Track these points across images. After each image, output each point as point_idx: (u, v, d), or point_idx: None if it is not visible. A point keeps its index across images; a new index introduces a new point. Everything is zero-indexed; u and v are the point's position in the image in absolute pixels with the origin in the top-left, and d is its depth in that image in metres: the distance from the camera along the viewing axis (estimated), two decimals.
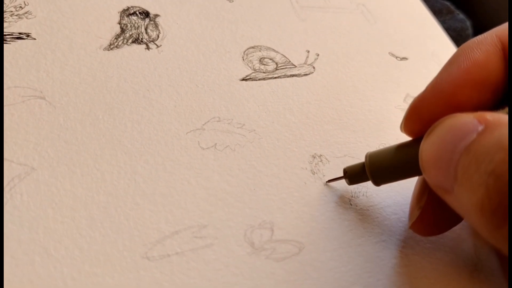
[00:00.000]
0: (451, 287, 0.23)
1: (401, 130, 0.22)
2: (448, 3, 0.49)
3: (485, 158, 0.16)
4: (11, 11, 0.27)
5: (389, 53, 0.34)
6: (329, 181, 0.25)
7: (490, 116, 0.17)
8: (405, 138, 0.23)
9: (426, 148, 0.19)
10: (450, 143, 0.18)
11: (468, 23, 0.50)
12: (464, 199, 0.17)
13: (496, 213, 0.15)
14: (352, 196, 0.25)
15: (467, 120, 0.17)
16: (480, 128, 0.17)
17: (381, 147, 0.27)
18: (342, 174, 0.24)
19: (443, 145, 0.18)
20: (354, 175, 0.23)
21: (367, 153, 0.23)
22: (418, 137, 0.21)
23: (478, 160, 0.16)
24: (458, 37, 0.44)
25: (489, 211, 0.16)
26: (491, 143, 0.16)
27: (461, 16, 0.49)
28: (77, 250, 0.20)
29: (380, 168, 0.22)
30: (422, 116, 0.21)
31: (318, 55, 0.31)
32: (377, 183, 0.22)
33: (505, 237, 0.15)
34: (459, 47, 0.22)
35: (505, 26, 0.21)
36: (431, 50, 0.36)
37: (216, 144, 0.25)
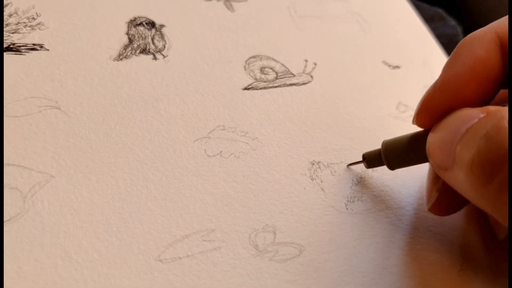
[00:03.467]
0: (440, 284, 0.25)
1: (413, 123, 0.24)
2: (440, 10, 0.51)
3: (481, 130, 0.18)
4: (25, 22, 0.29)
5: (382, 61, 0.36)
6: (350, 164, 0.28)
7: (493, 107, 0.19)
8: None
9: (433, 135, 0.21)
10: (454, 128, 0.20)
11: (459, 29, 0.51)
12: (460, 173, 0.19)
13: (484, 168, 0.17)
14: (348, 201, 0.27)
15: (472, 111, 0.20)
16: (482, 115, 0.19)
17: None
18: (343, 185, 0.26)
19: (447, 130, 0.20)
20: (371, 159, 0.26)
21: (384, 140, 0.25)
22: (428, 128, 0.23)
23: (475, 134, 0.18)
24: (449, 43, 0.46)
25: (478, 167, 0.17)
26: (489, 122, 0.18)
27: (453, 22, 0.50)
28: (96, 253, 0.21)
29: (394, 154, 0.25)
30: (431, 111, 0.23)
31: (315, 64, 0.33)
32: (392, 167, 0.25)
33: (493, 193, 0.17)
34: (460, 41, 0.23)
35: (503, 21, 0.23)
36: (422, 58, 0.38)
37: (221, 151, 0.26)
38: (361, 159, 0.27)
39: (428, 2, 0.50)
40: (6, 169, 0.22)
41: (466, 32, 0.49)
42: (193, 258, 0.22)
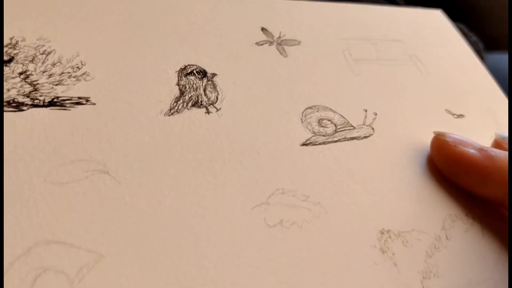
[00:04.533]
0: None
1: None
2: (462, 25, 0.48)
3: None
4: (69, 72, 0.27)
5: (445, 110, 0.33)
6: None
7: None
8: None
9: None
10: None
11: (480, 45, 0.49)
12: None
13: None
14: (423, 277, 0.24)
15: None
16: None
17: (448, 220, 0.26)
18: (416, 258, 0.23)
19: None
20: None
21: None
22: None
23: None
24: None
25: None
26: None
27: (474, 38, 0.48)
28: None
29: None
30: None
31: (376, 114, 0.31)
32: None
33: None
34: None
35: None
36: (486, 105, 0.35)
37: (282, 220, 0.24)
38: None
39: (427, 5, 0.46)
40: (51, 247, 0.20)
41: (466, 23, 0.46)
42: None
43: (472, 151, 0.27)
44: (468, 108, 0.34)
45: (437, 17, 0.42)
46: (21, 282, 0.19)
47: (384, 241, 0.25)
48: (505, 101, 0.37)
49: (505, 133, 0.32)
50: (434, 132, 0.29)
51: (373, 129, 0.30)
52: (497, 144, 0.31)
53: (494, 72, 0.39)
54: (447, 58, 0.38)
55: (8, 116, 0.24)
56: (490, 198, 0.28)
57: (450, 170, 0.28)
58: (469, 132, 0.33)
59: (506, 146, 0.30)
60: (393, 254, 0.24)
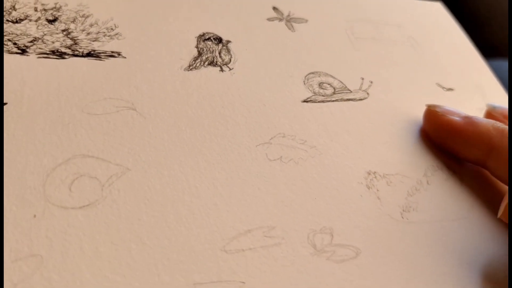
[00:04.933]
0: None
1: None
2: None
3: None
4: (104, 32, 0.31)
5: (436, 83, 0.37)
6: None
7: None
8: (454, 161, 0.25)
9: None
10: None
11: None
12: None
13: None
14: (403, 210, 0.27)
15: None
16: None
17: (431, 169, 0.30)
18: (398, 196, 0.27)
19: None
20: None
21: None
22: None
23: None
24: None
25: None
26: None
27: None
28: (166, 240, 0.23)
29: None
30: None
31: (371, 82, 0.34)
32: None
33: None
34: None
35: None
36: (475, 82, 0.39)
37: (281, 156, 0.28)
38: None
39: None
40: (86, 160, 0.24)
41: (465, 29, 0.49)
42: (255, 251, 0.23)
43: (457, 118, 0.31)
44: (458, 83, 0.38)
45: (436, 8, 0.46)
46: (61, 182, 0.23)
47: (370, 180, 0.28)
48: (495, 81, 0.40)
49: (496, 103, 0.36)
50: (427, 105, 0.33)
51: (368, 94, 0.34)
52: (488, 115, 0.34)
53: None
54: (442, 41, 0.42)
55: (52, 62, 0.28)
56: (472, 160, 0.31)
57: (438, 136, 0.32)
58: (458, 105, 0.36)
59: (497, 115, 0.34)
60: (377, 190, 0.28)
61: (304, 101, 0.31)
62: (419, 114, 0.33)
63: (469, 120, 0.30)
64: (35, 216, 0.22)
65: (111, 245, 0.22)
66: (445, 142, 0.31)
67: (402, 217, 0.27)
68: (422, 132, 0.33)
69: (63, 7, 0.32)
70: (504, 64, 0.67)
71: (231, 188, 0.25)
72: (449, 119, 0.31)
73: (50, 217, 0.22)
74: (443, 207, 0.28)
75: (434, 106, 0.33)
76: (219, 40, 0.33)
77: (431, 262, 0.26)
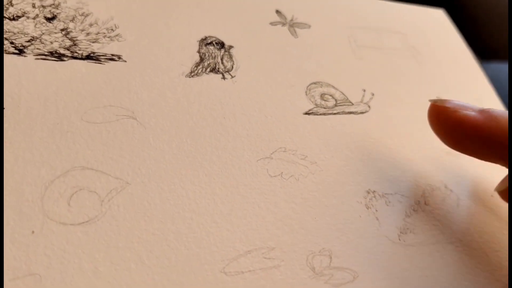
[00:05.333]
0: None
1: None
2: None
3: None
4: (104, 33, 0.30)
5: (437, 97, 0.37)
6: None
7: None
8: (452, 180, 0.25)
9: None
10: None
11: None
12: None
13: None
14: (401, 232, 0.27)
15: None
16: None
17: (428, 189, 0.29)
18: (396, 216, 0.27)
19: None
20: None
21: None
22: None
23: None
24: None
25: None
26: None
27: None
28: (166, 260, 0.22)
29: None
30: None
31: (373, 94, 0.34)
32: None
33: None
34: None
35: None
36: (475, 96, 0.39)
37: (282, 173, 0.27)
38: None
39: (426, 3, 0.50)
40: (85, 172, 0.24)
41: (465, 33, 0.49)
42: (254, 274, 0.23)
43: (472, 113, 0.25)
44: (459, 97, 0.38)
45: (438, 15, 0.46)
46: (60, 196, 0.23)
47: (369, 199, 0.28)
48: (493, 94, 0.40)
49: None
50: (431, 100, 0.28)
51: (369, 106, 0.33)
52: None
53: (492, 81, 0.42)
54: (443, 52, 0.41)
55: (51, 64, 0.28)
56: (496, 160, 0.26)
57: (451, 137, 0.27)
58: None
59: None
60: (376, 210, 0.28)
61: (306, 113, 0.31)
62: (418, 129, 0.33)
63: (488, 114, 0.25)
64: (33, 232, 0.21)
65: (111, 265, 0.22)
66: (461, 143, 0.26)
67: (399, 239, 0.27)
68: (418, 137, 0.32)
69: (62, 4, 0.31)
70: (502, 67, 0.67)
71: (232, 205, 0.25)
72: (463, 115, 0.26)
73: (49, 234, 0.22)
74: (440, 229, 0.28)
75: (442, 101, 0.27)
76: (221, 44, 0.33)
77: (425, 286, 0.26)
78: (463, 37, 0.48)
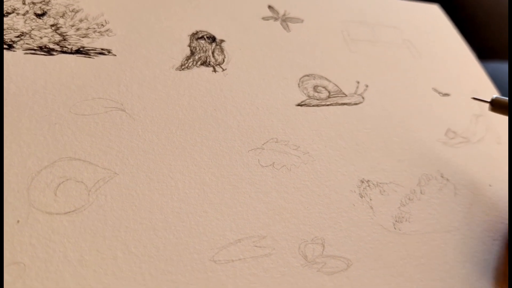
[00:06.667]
0: None
1: None
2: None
3: None
4: (94, 28, 0.30)
5: (432, 88, 0.36)
6: (475, 98, 0.30)
7: None
8: (449, 170, 0.25)
9: None
10: None
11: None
12: None
13: None
14: (396, 221, 0.27)
15: None
16: None
17: (424, 178, 0.29)
18: (391, 205, 0.26)
19: None
20: (497, 104, 0.28)
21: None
22: None
23: None
24: None
25: None
26: None
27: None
28: (154, 249, 0.22)
29: None
30: None
31: (367, 86, 0.34)
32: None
33: None
34: None
35: None
36: (472, 88, 0.38)
37: (274, 163, 0.27)
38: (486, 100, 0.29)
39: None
40: (73, 163, 0.24)
41: (465, 33, 0.48)
42: (244, 262, 0.23)
43: None
44: (454, 89, 0.37)
45: (433, 10, 0.45)
46: (46, 186, 0.22)
47: (363, 188, 0.28)
48: (490, 85, 0.40)
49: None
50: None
51: (363, 98, 0.33)
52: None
53: (492, 80, 0.41)
54: (438, 45, 0.41)
55: (39, 59, 0.27)
56: None
57: None
58: (454, 110, 0.36)
59: None
60: (370, 199, 0.27)
61: (298, 104, 0.31)
62: (413, 119, 0.33)
63: None
64: (18, 221, 0.21)
65: (97, 253, 0.21)
66: None
67: (395, 228, 0.27)
68: (412, 128, 0.32)
69: (52, 1, 0.31)
70: (502, 66, 0.67)
71: (222, 195, 0.25)
72: None
73: (34, 223, 0.21)
74: (436, 218, 0.28)
75: None
76: (212, 39, 0.32)
77: (422, 275, 0.25)
78: (463, 37, 0.48)
